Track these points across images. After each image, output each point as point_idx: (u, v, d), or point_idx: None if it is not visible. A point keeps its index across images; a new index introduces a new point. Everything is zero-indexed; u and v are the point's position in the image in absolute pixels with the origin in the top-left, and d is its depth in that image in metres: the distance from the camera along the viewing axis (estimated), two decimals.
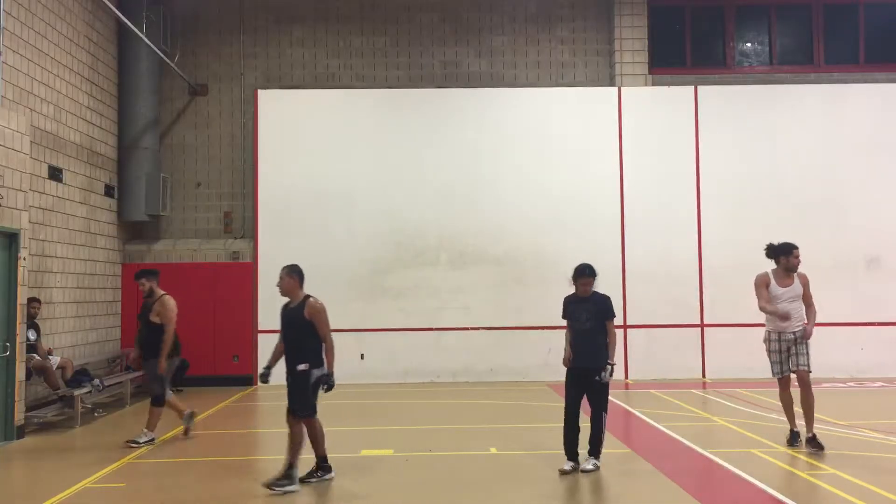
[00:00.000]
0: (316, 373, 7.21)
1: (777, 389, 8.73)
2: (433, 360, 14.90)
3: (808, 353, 8.44)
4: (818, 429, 8.42)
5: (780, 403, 8.79)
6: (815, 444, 8.19)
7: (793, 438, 8.52)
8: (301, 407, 7.23)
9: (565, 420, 7.72)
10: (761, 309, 8.58)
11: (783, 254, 8.52)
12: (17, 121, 9.91)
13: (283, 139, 15.13)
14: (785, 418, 8.78)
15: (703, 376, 14.92)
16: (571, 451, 7.63)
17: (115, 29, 14.55)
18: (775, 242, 8.64)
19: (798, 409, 8.46)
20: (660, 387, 13.82)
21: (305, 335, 7.26)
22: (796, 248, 8.56)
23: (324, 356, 7.29)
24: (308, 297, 7.38)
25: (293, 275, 7.41)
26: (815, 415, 8.36)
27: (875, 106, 15.39)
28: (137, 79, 14.81)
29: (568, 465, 7.55)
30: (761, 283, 8.57)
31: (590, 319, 7.67)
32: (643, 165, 15.20)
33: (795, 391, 8.47)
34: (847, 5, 16.14)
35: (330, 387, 7.23)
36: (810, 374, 8.40)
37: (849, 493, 6.67)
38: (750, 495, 6.82)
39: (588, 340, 7.67)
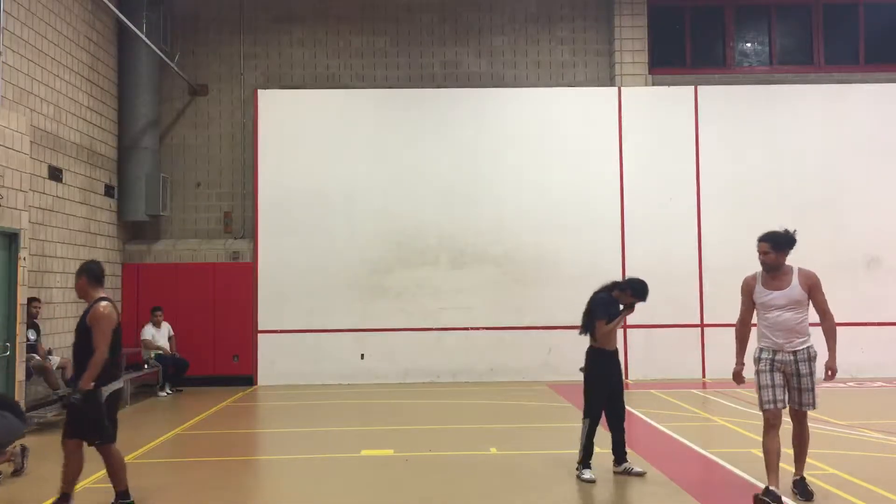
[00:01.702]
0: (105, 390, 6.17)
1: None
2: (433, 360, 14.90)
3: (813, 389, 6.39)
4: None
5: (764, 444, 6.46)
6: (803, 491, 6.44)
7: (767, 497, 6.22)
8: (93, 432, 6.18)
9: (594, 427, 7.41)
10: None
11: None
12: (17, 121, 9.91)
13: (283, 139, 15.14)
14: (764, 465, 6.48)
15: (703, 376, 14.92)
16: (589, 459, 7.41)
17: (115, 29, 14.55)
18: (781, 230, 6.50)
19: (787, 450, 6.64)
20: (660, 387, 13.82)
21: (90, 344, 6.20)
22: (762, 240, 6.49)
23: (113, 369, 6.32)
24: (99, 300, 6.35)
25: (82, 275, 6.46)
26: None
27: (875, 106, 15.39)
28: (137, 79, 14.81)
29: (592, 474, 7.31)
30: (744, 291, 6.67)
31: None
32: (643, 165, 15.21)
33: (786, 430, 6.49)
34: (847, 5, 16.14)
35: (71, 405, 6.11)
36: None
37: (849, 493, 6.67)
38: (750, 495, 6.82)
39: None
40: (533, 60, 15.96)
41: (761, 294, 6.48)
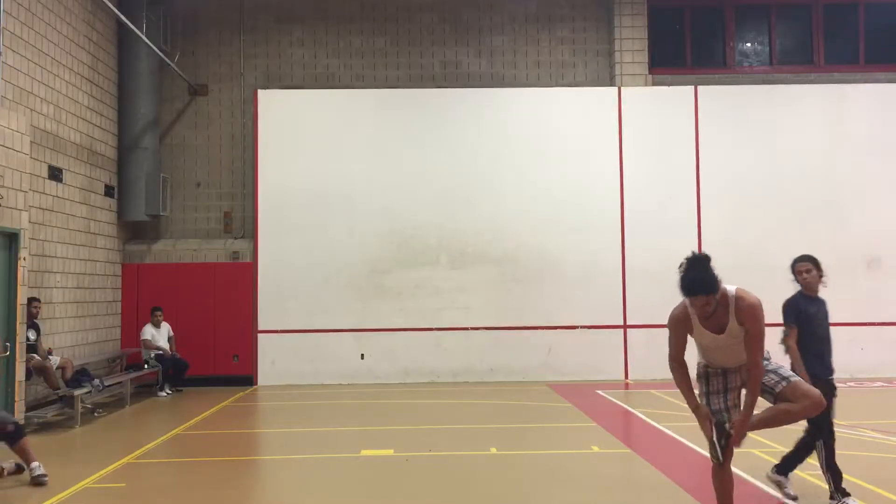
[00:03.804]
0: None
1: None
2: (433, 360, 14.90)
3: (772, 388, 5.26)
4: None
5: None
6: None
7: None
8: None
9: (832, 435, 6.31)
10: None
11: None
12: (17, 121, 9.91)
13: (283, 139, 15.14)
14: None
15: None
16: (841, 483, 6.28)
17: (115, 29, 14.54)
18: (693, 266, 5.32)
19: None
20: (660, 387, 13.80)
21: None
22: (696, 293, 5.21)
23: None
24: None
25: None
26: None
27: (875, 106, 15.38)
28: (137, 79, 14.80)
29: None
30: (675, 327, 5.50)
31: (825, 319, 6.55)
32: (643, 165, 15.20)
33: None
34: (847, 5, 16.14)
35: None
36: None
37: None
38: (750, 495, 6.81)
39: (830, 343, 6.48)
40: (533, 60, 15.96)
41: (700, 334, 5.41)
